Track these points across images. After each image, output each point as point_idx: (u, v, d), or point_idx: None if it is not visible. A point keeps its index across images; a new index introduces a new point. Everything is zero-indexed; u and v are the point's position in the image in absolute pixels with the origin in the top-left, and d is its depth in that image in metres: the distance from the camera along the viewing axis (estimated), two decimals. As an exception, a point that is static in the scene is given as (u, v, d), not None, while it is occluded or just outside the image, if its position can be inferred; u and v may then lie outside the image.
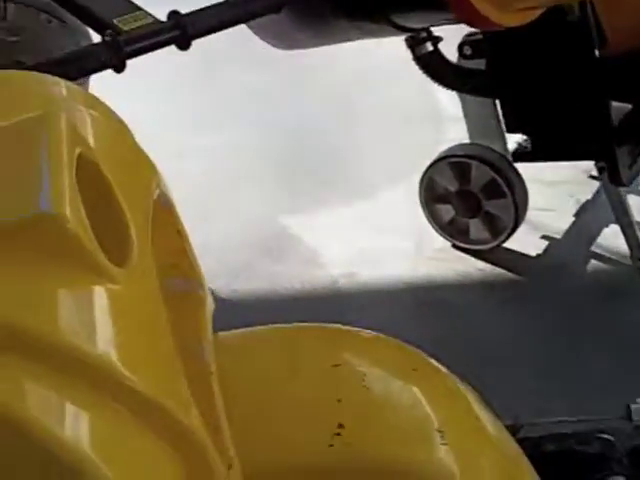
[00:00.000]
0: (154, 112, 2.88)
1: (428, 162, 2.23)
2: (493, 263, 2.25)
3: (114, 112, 0.67)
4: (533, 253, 2.26)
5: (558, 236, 2.30)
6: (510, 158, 2.13)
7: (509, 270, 2.23)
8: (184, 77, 3.11)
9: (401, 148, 2.74)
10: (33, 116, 0.51)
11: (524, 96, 1.96)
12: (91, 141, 0.57)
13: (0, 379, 0.43)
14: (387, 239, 2.38)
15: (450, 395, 0.65)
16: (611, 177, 1.95)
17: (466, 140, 2.22)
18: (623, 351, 1.95)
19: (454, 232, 2.27)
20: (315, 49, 1.89)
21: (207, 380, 0.55)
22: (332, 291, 2.20)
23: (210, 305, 0.64)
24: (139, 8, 1.13)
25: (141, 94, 3.00)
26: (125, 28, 1.07)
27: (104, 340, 0.47)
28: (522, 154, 2.10)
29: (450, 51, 2.01)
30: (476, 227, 2.22)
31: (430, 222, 2.29)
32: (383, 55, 2.81)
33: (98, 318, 0.48)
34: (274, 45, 1.74)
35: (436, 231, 2.30)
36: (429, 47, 1.88)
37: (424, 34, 1.84)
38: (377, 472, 0.55)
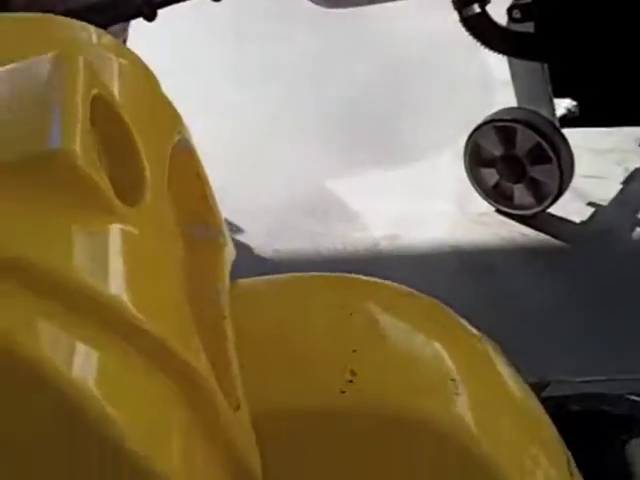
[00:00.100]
0: (204, 67, 2.89)
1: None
2: (537, 229, 2.23)
3: (142, 61, 0.67)
4: (578, 220, 2.24)
5: (604, 204, 2.27)
6: (557, 123, 2.10)
7: (553, 236, 2.21)
8: (233, 35, 3.11)
9: (449, 112, 2.71)
10: (50, 55, 0.51)
11: (573, 59, 1.93)
12: (112, 85, 0.57)
13: (3, 307, 0.44)
14: (431, 203, 2.37)
15: (468, 347, 0.65)
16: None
17: (515, 105, 2.19)
18: (668, 318, 1.92)
19: (498, 197, 2.25)
20: (368, 13, 1.88)
21: (220, 324, 0.56)
22: (374, 253, 2.20)
23: (229, 252, 0.64)
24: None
25: (192, 50, 3.01)
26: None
27: (114, 279, 0.47)
28: (570, 119, 2.07)
29: (498, 13, 1.98)
30: (520, 192, 2.20)
31: (474, 186, 2.28)
32: (433, 19, 2.78)
33: (109, 257, 0.48)
34: (317, 3, 1.73)
35: (480, 195, 2.28)
36: (476, 9, 1.85)
37: (471, -5, 1.82)
38: (388, 420, 0.55)
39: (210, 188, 0.66)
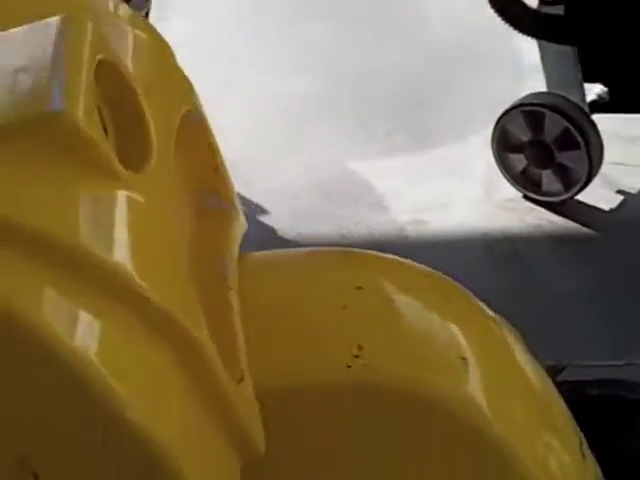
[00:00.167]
0: (234, 52, 2.89)
1: (506, 111, 2.18)
2: (564, 216, 2.21)
3: (158, 33, 0.67)
4: (606, 208, 2.21)
5: (633, 192, 2.24)
6: (587, 109, 2.07)
7: (581, 224, 2.18)
8: (265, 23, 3.10)
9: (480, 97, 2.68)
10: (58, 18, 0.51)
11: (603, 44, 1.90)
12: (122, 52, 0.57)
13: (4, 273, 0.43)
14: (459, 187, 2.35)
15: (483, 329, 0.64)
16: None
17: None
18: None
19: (526, 183, 2.23)
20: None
21: (225, 295, 0.55)
22: (399, 237, 2.19)
23: (240, 224, 0.64)
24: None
25: (222, 36, 3.01)
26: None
27: (117, 246, 0.47)
28: (600, 105, 2.04)
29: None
30: (548, 178, 2.18)
31: (502, 172, 2.25)
32: (465, 6, 2.76)
33: (112, 223, 0.48)
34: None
35: (508, 181, 2.26)
36: (505, -12, 1.82)
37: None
38: (394, 395, 0.55)
39: (222, 160, 0.65)
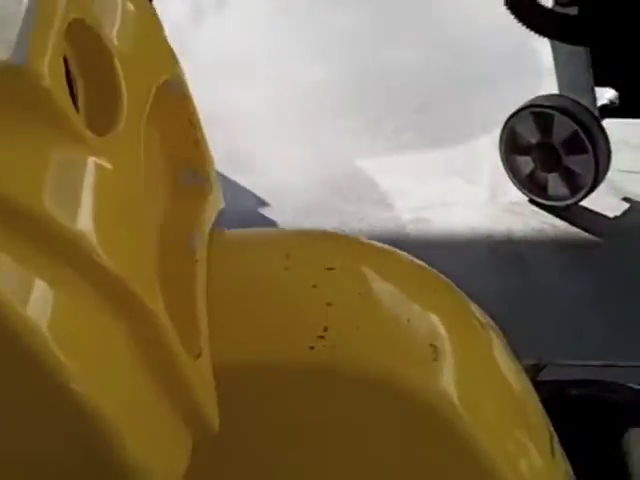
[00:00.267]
0: (252, 42, 2.88)
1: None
2: (569, 221, 2.19)
3: (149, 5, 0.66)
4: (611, 215, 2.19)
5: (639, 200, 2.21)
6: (597, 114, 2.05)
7: (585, 230, 2.16)
8: (286, 10, 3.08)
9: (493, 97, 2.66)
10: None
11: (616, 45, 1.88)
12: (102, 16, 0.55)
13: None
14: (464, 188, 2.33)
15: (461, 321, 0.62)
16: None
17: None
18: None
19: (532, 186, 2.21)
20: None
21: (191, 268, 0.54)
22: (401, 235, 2.17)
23: (215, 200, 0.63)
24: None
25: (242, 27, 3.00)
26: None
27: (75, 211, 0.46)
28: (610, 110, 2.02)
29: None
30: (554, 182, 2.16)
31: (508, 174, 2.24)
32: (484, 4, 2.74)
33: (71, 186, 0.46)
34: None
35: (514, 184, 2.24)
36: (519, -13, 1.80)
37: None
38: (356, 379, 0.53)
39: (203, 135, 0.64)
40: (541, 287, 2.07)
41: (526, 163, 2.19)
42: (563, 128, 2.06)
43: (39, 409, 0.44)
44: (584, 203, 2.17)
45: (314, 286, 0.56)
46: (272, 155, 2.43)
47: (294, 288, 0.57)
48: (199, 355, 0.50)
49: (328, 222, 2.21)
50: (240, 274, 0.58)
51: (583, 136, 2.03)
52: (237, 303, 0.56)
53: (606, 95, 2.11)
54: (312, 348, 0.53)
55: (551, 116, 2.07)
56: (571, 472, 0.62)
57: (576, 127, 2.03)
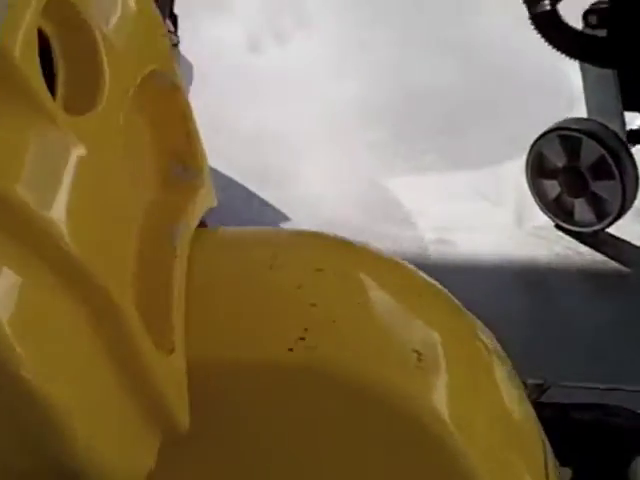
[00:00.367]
0: (284, 58, 2.88)
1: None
2: (594, 248, 2.15)
3: (151, 5, 0.65)
4: (638, 243, 2.15)
5: (667, 229, 2.17)
6: (625, 139, 2.02)
7: (610, 257, 2.12)
8: (315, 30, 3.08)
9: (523, 122, 2.63)
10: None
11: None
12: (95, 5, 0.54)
13: None
14: (489, 211, 2.31)
15: (455, 334, 0.60)
16: None
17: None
18: None
19: (558, 210, 2.17)
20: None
21: (169, 262, 0.52)
22: (422, 255, 2.15)
23: (204, 196, 0.61)
24: None
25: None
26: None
27: (44, 194, 0.44)
28: (637, 135, 1.99)
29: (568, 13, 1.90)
30: (581, 207, 2.12)
31: (534, 197, 2.20)
32: (516, 29, 2.71)
33: (40, 168, 0.45)
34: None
35: (540, 208, 2.21)
36: (546, 6, 1.78)
37: (541, -9, 1.75)
38: (336, 382, 0.51)
39: (196, 129, 0.63)
40: (563, 313, 2.03)
41: (552, 187, 2.16)
42: (590, 152, 2.03)
43: None
44: (611, 230, 2.13)
45: (299, 286, 0.54)
46: (298, 172, 2.42)
47: (278, 288, 0.55)
48: (172, 351, 0.48)
49: (350, 238, 2.18)
50: (224, 271, 0.56)
51: (610, 161, 2.00)
52: (218, 300, 0.54)
53: (636, 121, 2.08)
54: (291, 349, 0.51)
55: (578, 140, 2.04)
56: None
57: (603, 152, 2.00)
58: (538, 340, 1.92)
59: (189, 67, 2.47)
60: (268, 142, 2.55)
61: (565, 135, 2.06)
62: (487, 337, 0.64)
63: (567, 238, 2.18)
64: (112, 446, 0.44)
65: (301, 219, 2.25)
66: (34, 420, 0.41)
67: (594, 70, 1.96)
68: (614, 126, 2.02)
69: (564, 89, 2.65)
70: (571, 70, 2.38)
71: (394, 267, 0.63)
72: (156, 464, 0.48)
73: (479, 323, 0.65)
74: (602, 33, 1.86)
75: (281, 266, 0.56)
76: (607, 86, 1.99)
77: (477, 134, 2.60)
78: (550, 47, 1.92)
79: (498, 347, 0.65)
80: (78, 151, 0.46)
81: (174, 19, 1.77)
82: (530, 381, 0.76)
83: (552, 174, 2.14)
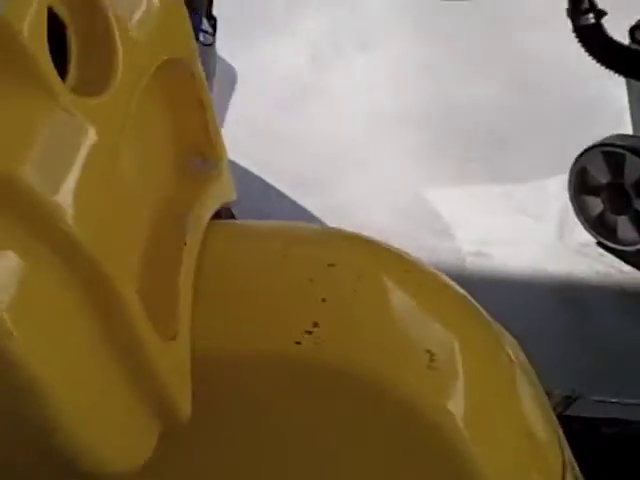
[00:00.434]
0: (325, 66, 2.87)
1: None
2: (637, 267, 2.11)
3: None
4: (682, 264, 2.11)
5: None
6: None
7: (654, 278, 2.08)
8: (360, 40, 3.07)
9: (571, 139, 2.60)
10: None
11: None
12: None
13: None
14: (530, 226, 2.27)
15: (474, 340, 0.58)
16: None
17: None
18: None
19: (601, 228, 2.14)
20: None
21: (178, 251, 0.51)
22: (459, 267, 2.12)
23: (220, 188, 0.60)
24: None
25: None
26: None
27: (50, 177, 0.43)
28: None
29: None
30: (624, 225, 2.08)
31: (577, 213, 2.17)
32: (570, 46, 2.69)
33: (46, 150, 0.44)
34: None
35: (582, 225, 2.17)
36: (591, 19, 1.75)
37: (586, 4, 1.72)
38: (343, 379, 0.50)
39: (214, 120, 0.62)
40: (600, 331, 2.00)
41: (595, 204, 2.13)
42: (634, 169, 1.99)
43: None
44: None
45: (311, 280, 0.53)
46: (336, 180, 2.41)
47: (289, 281, 0.53)
48: (173, 337, 0.47)
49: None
50: (236, 263, 0.55)
51: (655, 181, 1.97)
52: (227, 291, 0.53)
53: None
54: (299, 342, 0.49)
55: (622, 156, 2.00)
56: None
57: (648, 170, 1.97)
58: (572, 355, 1.89)
59: (229, 70, 2.47)
60: (307, 149, 2.54)
61: (609, 151, 2.03)
62: (512, 348, 0.62)
63: (609, 256, 2.15)
64: (106, 431, 0.43)
65: (335, 225, 2.23)
66: (25, 402, 0.40)
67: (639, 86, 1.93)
68: (661, 143, 1.98)
69: (610, 105, 2.61)
70: (617, 86, 2.35)
71: (413, 267, 0.61)
72: (155, 451, 0.47)
73: (505, 334, 0.64)
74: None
75: (294, 259, 0.54)
76: (653, 102, 1.96)
77: (521, 148, 2.57)
78: (602, 67, 1.89)
79: (523, 359, 0.63)
80: (87, 134, 0.45)
81: (213, 21, 1.78)
82: (557, 391, 0.74)
83: (595, 190, 2.11)
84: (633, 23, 1.87)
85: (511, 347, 0.62)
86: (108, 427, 0.43)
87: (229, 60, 2.54)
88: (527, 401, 0.60)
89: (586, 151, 2.08)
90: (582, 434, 0.66)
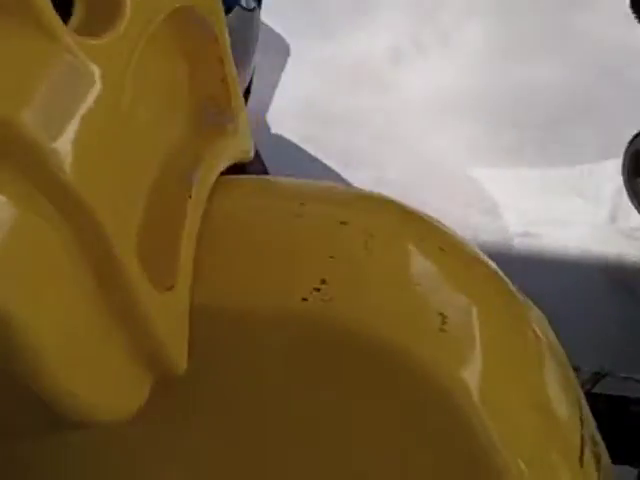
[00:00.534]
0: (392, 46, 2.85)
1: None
2: (689, 251, 2.06)
3: None
4: None
5: None
6: None
7: None
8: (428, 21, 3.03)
9: (627, 119, 2.54)
10: None
11: None
12: None
13: None
14: (581, 208, 2.23)
15: (488, 300, 0.56)
16: None
17: None
18: None
19: (653, 212, 2.09)
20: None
21: (182, 203, 0.50)
22: (506, 248, 2.09)
23: (237, 145, 0.59)
24: None
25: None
26: None
27: (46, 120, 0.42)
28: None
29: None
30: (677, 209, 2.04)
31: (629, 197, 2.12)
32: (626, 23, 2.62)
33: (45, 92, 0.42)
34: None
35: (635, 207, 2.12)
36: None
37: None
38: (349, 338, 0.48)
39: (233, 74, 0.60)
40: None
41: (649, 187, 2.08)
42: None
43: None
44: None
45: (320, 237, 0.51)
46: (388, 155, 2.39)
47: (298, 237, 0.52)
48: (170, 288, 0.45)
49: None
50: (244, 218, 0.54)
51: None
52: (233, 245, 0.51)
53: None
54: (305, 299, 0.48)
55: (678, 138, 1.95)
56: None
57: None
58: (619, 337, 1.85)
59: (277, 39, 2.46)
60: (357, 126, 2.52)
61: (664, 132, 1.98)
62: (538, 324, 0.59)
63: (662, 241, 2.10)
64: (94, 378, 0.42)
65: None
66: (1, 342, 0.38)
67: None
68: None
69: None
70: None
71: (437, 232, 0.59)
72: (148, 403, 0.45)
73: (534, 309, 0.61)
74: None
75: (305, 216, 0.53)
76: None
77: (576, 132, 2.52)
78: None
79: (551, 337, 0.61)
80: (90, 76, 0.44)
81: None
82: (586, 368, 0.72)
83: (649, 173, 2.06)
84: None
85: (538, 323, 0.60)
86: (96, 375, 0.42)
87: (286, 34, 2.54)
88: (549, 377, 0.58)
89: (639, 134, 2.03)
90: (609, 412, 0.63)
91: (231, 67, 0.59)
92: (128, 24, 0.47)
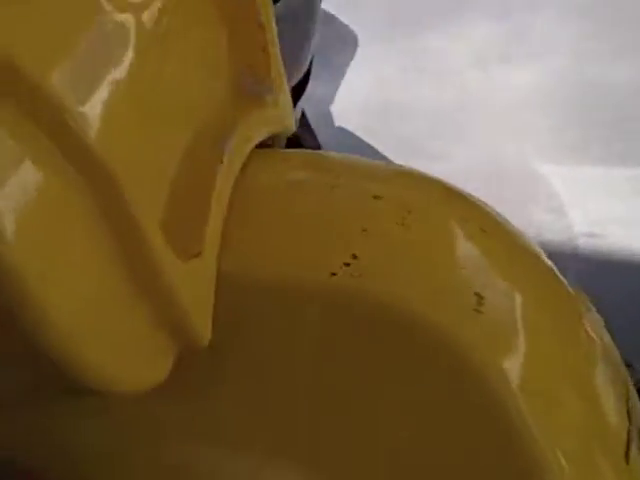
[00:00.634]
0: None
1: None
2: None
3: None
4: None
5: None
6: None
7: None
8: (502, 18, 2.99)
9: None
10: None
11: None
12: None
13: None
14: (648, 208, 2.18)
15: (528, 284, 0.53)
16: None
17: None
18: None
19: None
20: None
21: (212, 170, 0.48)
22: (570, 247, 2.04)
23: (275, 117, 0.57)
24: None
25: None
26: None
27: (74, 80, 0.40)
28: None
29: None
30: None
31: (700, 199, 2.06)
32: None
33: (77, 50, 0.41)
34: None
35: None
36: None
37: None
38: (379, 314, 0.46)
39: (275, 44, 0.59)
40: None
41: None
42: None
43: None
44: None
45: (355, 212, 0.49)
46: (452, 148, 2.36)
47: (331, 210, 0.50)
48: (197, 255, 0.44)
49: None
50: (278, 188, 0.52)
51: None
52: (263, 217, 0.50)
53: None
54: (334, 274, 0.46)
55: None
56: None
57: None
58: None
59: (348, 34, 2.44)
60: (421, 119, 2.50)
61: None
62: (592, 323, 0.57)
63: None
64: (113, 348, 0.41)
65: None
66: (17, 306, 0.37)
67: None
68: None
69: None
70: None
71: (482, 213, 0.57)
72: (171, 375, 0.44)
73: (591, 310, 0.59)
74: None
75: (339, 190, 0.51)
76: None
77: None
78: None
79: (606, 338, 0.58)
80: (125, 37, 0.43)
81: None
82: (638, 365, 0.69)
83: None
84: None
85: (592, 323, 0.57)
86: (118, 344, 0.41)
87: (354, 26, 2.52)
88: (597, 372, 0.55)
89: None
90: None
91: (273, 36, 0.58)
92: None
